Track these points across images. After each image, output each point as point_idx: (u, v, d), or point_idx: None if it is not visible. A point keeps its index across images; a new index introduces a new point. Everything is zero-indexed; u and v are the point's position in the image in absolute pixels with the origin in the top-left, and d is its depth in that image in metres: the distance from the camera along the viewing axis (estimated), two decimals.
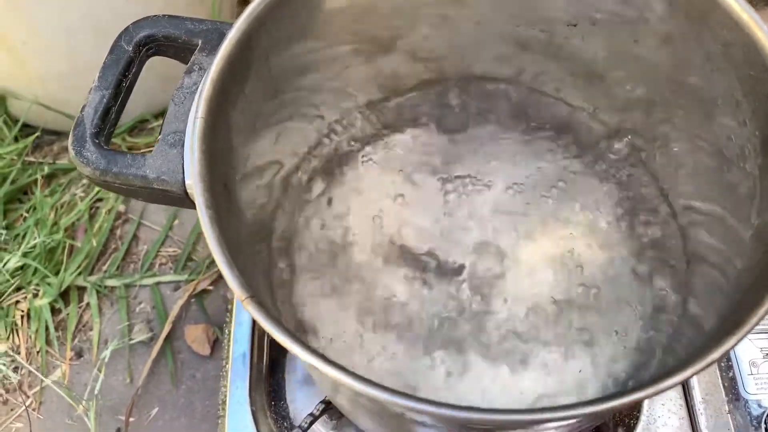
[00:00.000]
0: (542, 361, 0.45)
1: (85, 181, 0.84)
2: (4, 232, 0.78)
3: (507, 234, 0.50)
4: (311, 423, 0.52)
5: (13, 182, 0.81)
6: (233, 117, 0.40)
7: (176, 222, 0.82)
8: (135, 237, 0.81)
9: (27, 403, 0.72)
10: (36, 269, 0.76)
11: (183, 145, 0.39)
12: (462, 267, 0.49)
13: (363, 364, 0.46)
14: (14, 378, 0.73)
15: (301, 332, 0.47)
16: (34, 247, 0.77)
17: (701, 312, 0.43)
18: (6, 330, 0.75)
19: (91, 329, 0.75)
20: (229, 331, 0.59)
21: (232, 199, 0.40)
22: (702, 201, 0.45)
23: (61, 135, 0.87)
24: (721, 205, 0.42)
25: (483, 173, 0.52)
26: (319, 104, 0.51)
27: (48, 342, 0.74)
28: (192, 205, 0.36)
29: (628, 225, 0.49)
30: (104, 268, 0.79)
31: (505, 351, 0.46)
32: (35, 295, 0.76)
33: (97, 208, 0.82)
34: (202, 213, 0.34)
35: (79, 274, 0.77)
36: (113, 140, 0.84)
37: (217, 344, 0.73)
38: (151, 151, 0.39)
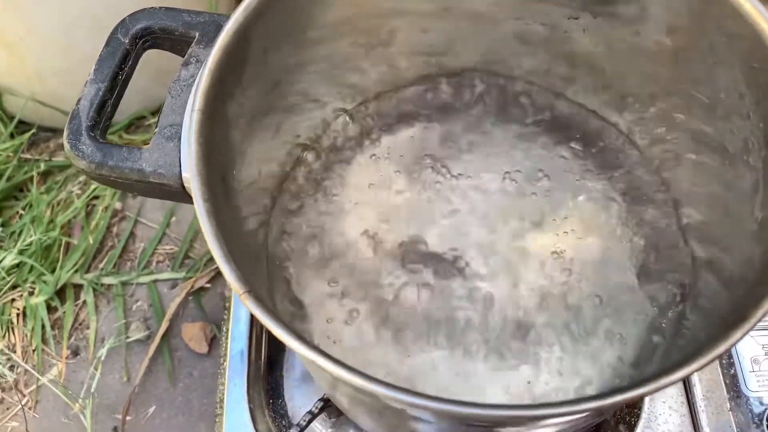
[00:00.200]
0: (543, 360, 0.45)
1: (81, 178, 0.83)
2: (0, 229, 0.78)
3: (506, 230, 0.49)
4: (310, 421, 0.52)
5: (8, 179, 0.81)
6: (230, 110, 0.39)
7: (173, 219, 0.81)
8: (132, 234, 0.80)
9: (23, 402, 0.71)
10: (32, 267, 0.76)
11: (180, 138, 0.38)
12: (462, 263, 0.48)
13: (362, 360, 0.46)
14: (10, 376, 0.73)
15: (298, 327, 0.47)
16: (30, 244, 0.76)
17: (705, 307, 0.42)
18: (2, 328, 0.74)
19: (87, 327, 0.75)
20: (227, 329, 0.59)
21: (230, 193, 0.40)
22: (705, 195, 0.45)
23: (57, 132, 0.87)
24: (724, 199, 0.41)
25: (482, 168, 0.52)
26: (318, 98, 0.50)
27: (44, 340, 0.74)
28: (189, 199, 0.36)
29: (630, 220, 0.49)
30: (101, 265, 0.78)
31: (504, 349, 0.45)
32: (31, 293, 0.75)
33: (94, 205, 0.82)
34: (199, 206, 0.34)
35: (76, 271, 0.76)
36: (110, 137, 0.84)
37: (214, 342, 0.73)
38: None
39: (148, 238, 0.80)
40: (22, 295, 0.75)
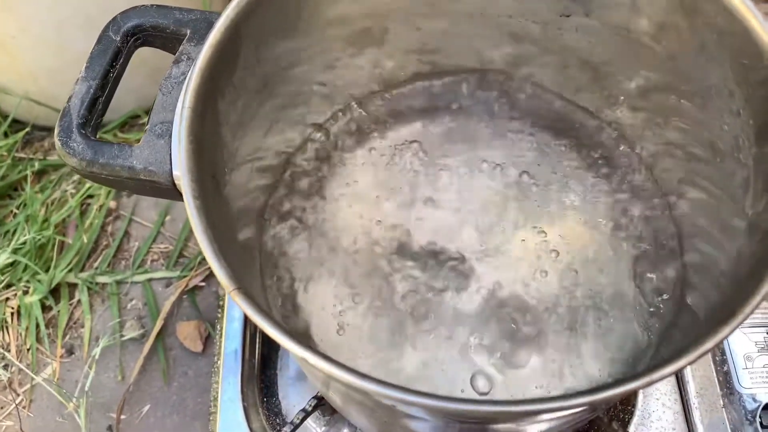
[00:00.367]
0: (535, 358, 0.45)
1: (76, 177, 0.83)
2: None
3: (500, 227, 0.49)
4: (303, 419, 0.52)
5: (2, 178, 0.81)
6: (222, 107, 0.39)
7: (168, 218, 0.81)
8: (126, 233, 0.80)
9: (17, 401, 0.71)
10: (26, 266, 0.75)
11: (171, 136, 0.38)
12: (460, 259, 0.48)
13: (355, 359, 0.46)
14: (4, 376, 0.72)
15: (290, 325, 0.47)
16: (24, 243, 0.76)
17: (696, 303, 0.42)
18: None
19: (82, 326, 0.75)
20: (221, 328, 0.59)
21: (221, 191, 0.40)
22: (696, 192, 0.45)
23: (51, 131, 0.86)
24: (716, 197, 0.41)
25: (476, 166, 0.52)
26: (310, 96, 0.50)
27: (38, 339, 0.74)
28: (180, 196, 0.36)
29: (622, 217, 0.49)
30: (95, 264, 0.78)
31: (499, 346, 0.45)
32: (25, 292, 0.75)
33: (88, 204, 0.81)
34: (189, 203, 0.34)
35: (70, 270, 0.76)
36: (105, 136, 0.84)
37: (209, 341, 0.73)
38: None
39: (143, 237, 0.80)
40: (16, 294, 0.75)
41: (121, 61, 0.42)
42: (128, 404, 0.70)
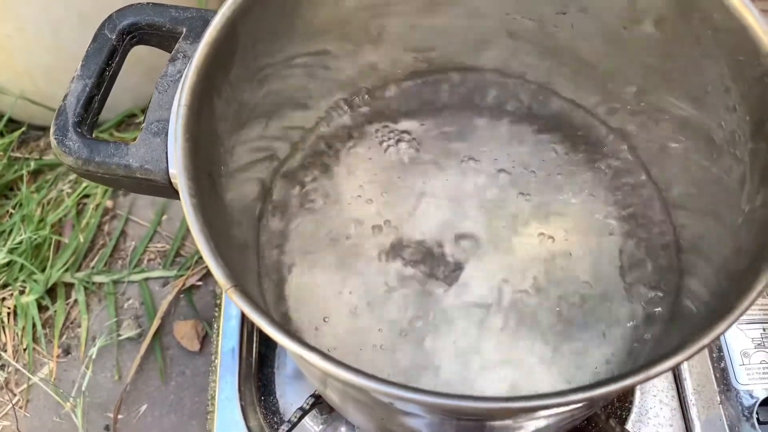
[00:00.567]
0: (533, 355, 0.45)
1: (72, 176, 0.83)
2: None
3: (496, 224, 0.49)
4: (301, 417, 0.52)
5: None
6: (218, 105, 0.39)
7: (164, 217, 0.81)
8: (123, 233, 0.80)
9: (14, 401, 0.71)
10: (22, 266, 0.75)
11: (167, 134, 0.38)
12: (455, 256, 0.48)
13: (352, 356, 0.46)
14: (1, 376, 0.72)
15: (288, 323, 0.47)
16: (20, 243, 0.76)
17: (693, 299, 0.42)
18: None
19: (78, 326, 0.75)
20: (218, 326, 0.59)
21: (218, 190, 0.40)
22: (693, 188, 0.45)
23: (47, 130, 0.86)
24: (712, 192, 0.42)
25: (472, 163, 0.52)
26: (307, 95, 0.50)
27: (35, 339, 0.74)
28: (176, 194, 0.36)
29: (618, 215, 0.49)
30: (92, 264, 0.78)
31: (496, 345, 0.45)
32: (22, 292, 0.75)
33: (84, 204, 0.81)
34: (186, 202, 0.34)
35: (66, 270, 0.76)
36: (101, 135, 0.83)
37: (206, 340, 0.73)
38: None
39: (140, 237, 0.80)
40: (12, 294, 0.75)
41: (116, 59, 0.42)
42: (125, 404, 0.70)
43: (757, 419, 0.52)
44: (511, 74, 0.54)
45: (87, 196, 0.81)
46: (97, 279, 0.76)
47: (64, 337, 0.74)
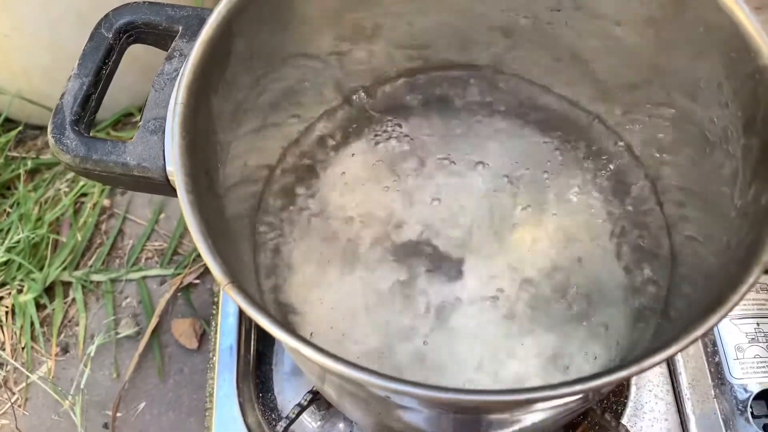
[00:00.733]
0: (529, 350, 0.45)
1: (69, 175, 0.83)
2: None
3: (493, 220, 0.50)
4: (299, 413, 0.52)
5: None
6: (214, 103, 0.39)
7: (162, 216, 0.81)
8: (120, 231, 0.80)
9: (12, 400, 0.71)
10: (20, 265, 0.75)
11: (164, 132, 0.38)
12: (453, 255, 0.49)
13: (349, 353, 0.46)
14: None
15: (285, 321, 0.47)
16: (18, 242, 0.76)
17: (687, 294, 0.43)
18: None
19: (77, 324, 0.75)
20: (216, 324, 0.59)
21: (215, 188, 0.40)
22: (686, 183, 0.45)
23: (44, 130, 0.86)
24: (705, 187, 0.42)
25: (467, 160, 0.52)
26: (303, 92, 0.50)
27: (33, 338, 0.74)
28: (174, 192, 0.36)
29: (613, 210, 0.49)
30: (89, 263, 0.78)
31: (493, 339, 0.46)
32: (20, 291, 0.75)
33: (82, 203, 0.81)
34: (183, 198, 0.34)
35: (64, 269, 0.76)
36: (98, 134, 0.84)
37: (204, 338, 0.73)
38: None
39: (137, 235, 0.80)
40: (10, 293, 0.75)
41: (113, 58, 0.42)
42: (124, 402, 0.70)
43: (752, 413, 0.53)
44: (505, 72, 0.54)
45: (84, 195, 0.81)
46: (95, 277, 0.77)
47: (63, 335, 0.75)
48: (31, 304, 0.74)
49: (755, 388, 0.53)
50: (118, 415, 0.70)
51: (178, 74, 0.40)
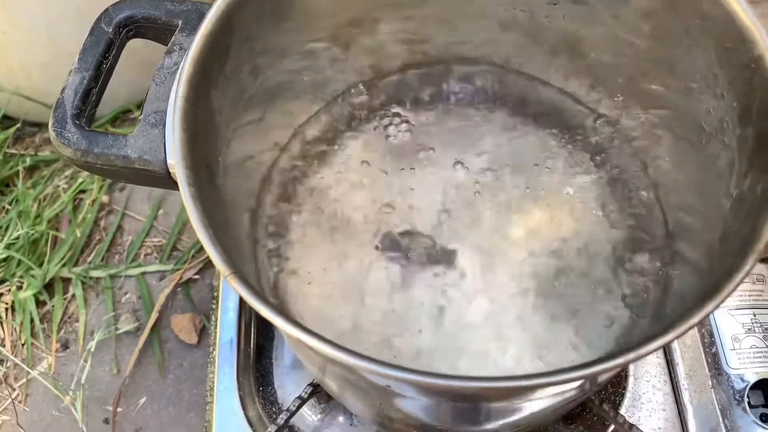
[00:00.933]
0: (524, 342, 0.46)
1: (68, 172, 0.83)
2: None
3: (490, 212, 0.50)
4: (299, 406, 0.52)
5: None
6: (214, 97, 0.40)
7: (161, 212, 0.81)
8: (119, 228, 0.81)
9: (13, 396, 0.72)
10: (20, 261, 0.76)
11: (164, 125, 0.38)
12: (448, 248, 0.49)
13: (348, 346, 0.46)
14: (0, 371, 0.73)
15: (285, 309, 0.47)
16: (17, 239, 0.76)
17: (684, 282, 0.43)
18: None
19: (76, 320, 0.75)
20: (216, 318, 0.59)
21: (216, 180, 0.40)
22: (683, 174, 0.45)
23: (42, 126, 0.87)
24: (701, 178, 0.42)
25: (466, 154, 0.52)
26: (303, 86, 0.51)
27: (33, 334, 0.74)
28: (174, 185, 0.36)
29: (609, 202, 0.50)
30: (89, 259, 0.78)
31: (488, 331, 0.46)
32: (19, 287, 0.75)
33: (81, 199, 0.82)
34: (185, 190, 0.34)
35: (64, 265, 0.76)
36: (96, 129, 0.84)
37: (204, 333, 0.73)
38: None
39: (136, 231, 0.80)
40: (10, 290, 0.75)
41: (113, 52, 0.42)
42: (124, 397, 0.71)
43: (748, 403, 0.53)
44: (503, 65, 0.54)
45: (83, 191, 0.82)
46: (95, 274, 0.77)
47: (63, 331, 0.75)
48: (31, 300, 0.74)
49: (752, 378, 0.54)
50: (119, 410, 0.70)
51: (178, 68, 0.40)
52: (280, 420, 0.52)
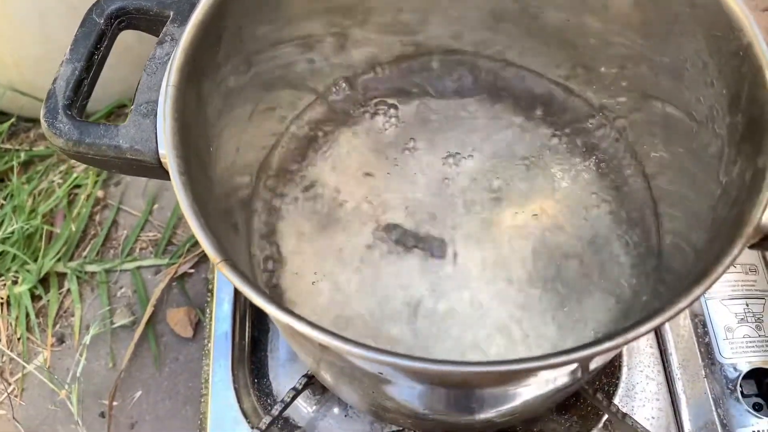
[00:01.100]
0: (518, 331, 0.46)
1: (63, 167, 0.83)
2: None
3: (485, 204, 0.50)
4: (294, 397, 0.52)
5: None
6: (205, 87, 0.40)
7: (156, 206, 0.81)
8: (114, 222, 0.80)
9: (9, 390, 0.72)
10: (15, 256, 0.76)
11: (156, 115, 0.38)
12: (439, 239, 0.49)
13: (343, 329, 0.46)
14: None
15: (278, 298, 0.47)
16: (12, 233, 0.76)
17: (675, 271, 0.43)
18: None
19: (72, 315, 0.75)
20: (211, 311, 0.59)
21: (207, 171, 0.40)
22: (673, 162, 0.46)
23: (36, 122, 0.86)
24: (691, 166, 0.42)
25: (459, 147, 0.52)
26: (294, 78, 0.51)
27: (29, 328, 0.74)
28: (166, 175, 0.36)
29: (601, 191, 0.50)
30: (84, 253, 0.78)
31: (487, 318, 0.46)
32: (14, 282, 0.75)
33: (75, 194, 0.82)
34: (176, 179, 0.34)
35: (59, 260, 0.76)
36: None
37: (199, 326, 0.73)
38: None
39: (131, 226, 0.80)
40: (5, 284, 0.75)
41: (105, 43, 0.42)
42: (120, 390, 0.71)
43: (741, 392, 0.53)
44: (496, 57, 0.54)
45: (78, 186, 0.82)
46: (90, 268, 0.77)
47: (58, 326, 0.75)
48: (26, 295, 0.74)
49: (745, 368, 0.54)
50: (115, 403, 0.70)
51: (169, 58, 0.40)
52: (275, 411, 0.52)
